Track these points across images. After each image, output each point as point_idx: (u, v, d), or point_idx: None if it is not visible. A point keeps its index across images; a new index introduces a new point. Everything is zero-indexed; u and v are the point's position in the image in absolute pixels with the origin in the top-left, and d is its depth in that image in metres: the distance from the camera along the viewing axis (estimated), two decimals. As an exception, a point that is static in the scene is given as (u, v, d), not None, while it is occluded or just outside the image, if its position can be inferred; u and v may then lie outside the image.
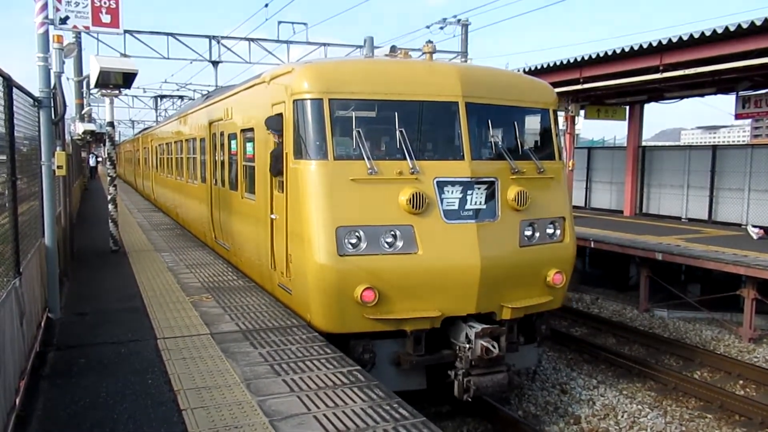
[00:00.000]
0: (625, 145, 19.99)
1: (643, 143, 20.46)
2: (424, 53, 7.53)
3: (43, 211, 6.89)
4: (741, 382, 9.26)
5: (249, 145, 8.62)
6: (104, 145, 12.56)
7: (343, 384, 4.88)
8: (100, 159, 48.18)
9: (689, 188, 18.17)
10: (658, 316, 12.63)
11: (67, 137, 14.66)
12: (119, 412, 4.44)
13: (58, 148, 7.50)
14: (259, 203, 8.02)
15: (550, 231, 7.17)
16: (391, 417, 4.28)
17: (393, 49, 7.99)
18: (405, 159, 6.44)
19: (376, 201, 6.35)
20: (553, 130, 7.63)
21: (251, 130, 8.39)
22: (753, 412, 7.91)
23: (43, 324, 6.49)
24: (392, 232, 6.32)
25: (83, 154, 31.27)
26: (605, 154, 22.03)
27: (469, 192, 6.55)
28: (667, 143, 51.79)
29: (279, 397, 4.62)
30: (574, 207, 18.81)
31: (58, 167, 7.26)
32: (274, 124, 7.08)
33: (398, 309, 6.37)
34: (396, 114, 6.58)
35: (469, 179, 6.54)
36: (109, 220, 11.37)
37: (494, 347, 6.27)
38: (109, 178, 11.44)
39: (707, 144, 26.08)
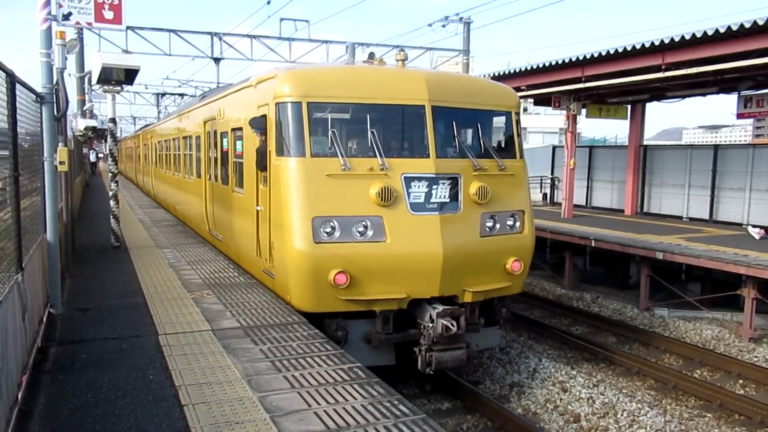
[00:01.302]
0: (627, 144, 19.98)
1: (645, 142, 20.45)
2: (397, 60, 8.10)
3: (45, 207, 6.92)
4: (741, 381, 9.28)
5: (239, 143, 9.18)
6: (106, 141, 12.58)
7: (343, 381, 4.90)
8: (101, 155, 48.20)
9: (690, 188, 18.16)
10: (658, 315, 12.64)
11: (69, 133, 14.68)
12: (121, 407, 4.46)
13: (60, 144, 7.51)
14: (246, 196, 8.64)
15: (510, 223, 7.86)
16: (391, 414, 4.30)
17: (371, 56, 8.71)
18: (375, 157, 7.13)
19: (348, 194, 7.04)
20: (514, 131, 8.33)
21: (240, 129, 8.96)
22: (752, 411, 7.92)
23: (44, 319, 6.51)
24: (363, 222, 7.00)
25: (84, 150, 31.28)
26: (606, 153, 22.02)
27: (434, 187, 7.21)
28: (668, 142, 51.78)
29: (280, 393, 4.64)
30: (575, 206, 18.88)
31: (60, 163, 7.28)
32: (259, 124, 7.72)
33: (368, 291, 7.07)
34: (368, 116, 7.29)
35: (433, 175, 7.22)
36: (111, 216, 11.39)
37: (453, 326, 6.95)
38: (110, 175, 11.46)
39: (709, 143, 26.08)
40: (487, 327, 8.07)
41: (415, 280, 7.12)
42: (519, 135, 8.40)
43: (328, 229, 6.94)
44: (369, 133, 7.20)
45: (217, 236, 10.91)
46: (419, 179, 7.17)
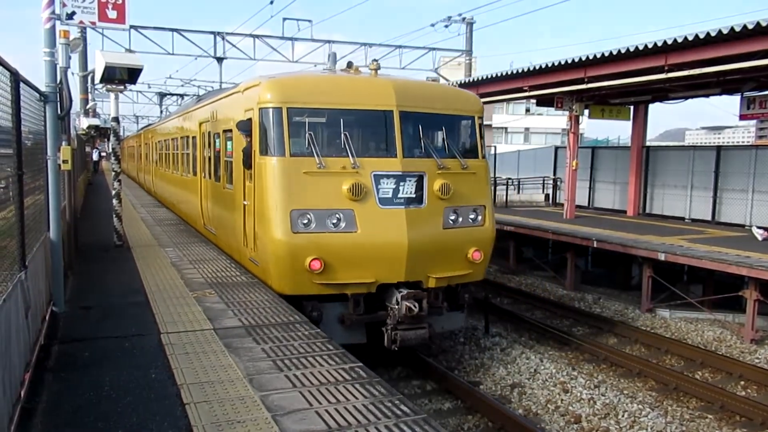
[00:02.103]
0: (629, 145, 19.96)
1: (647, 143, 20.44)
2: (370, 69, 8.77)
3: (48, 206, 6.94)
4: (742, 382, 9.27)
5: (229, 144, 9.91)
6: (108, 140, 12.64)
7: (345, 380, 4.91)
8: (103, 154, 48.30)
9: (693, 189, 18.15)
10: (660, 316, 12.64)
11: (72, 132, 14.71)
12: (123, 405, 4.47)
13: (63, 143, 7.53)
14: (235, 192, 9.37)
15: (472, 216, 8.57)
16: (392, 413, 4.31)
17: (349, 65, 9.29)
18: (348, 156, 7.84)
19: (323, 190, 7.78)
20: (477, 134, 9.03)
21: (230, 130, 9.61)
22: (754, 412, 7.92)
23: (47, 317, 6.53)
24: (336, 215, 7.74)
25: (87, 149, 31.36)
26: (609, 153, 22.01)
27: (401, 183, 7.93)
28: (671, 143, 51.71)
29: (281, 392, 4.65)
30: (578, 206, 18.87)
31: (63, 162, 7.29)
32: (245, 126, 8.45)
33: (341, 276, 7.83)
34: (341, 120, 8.03)
35: (400, 173, 7.93)
36: (113, 215, 11.41)
37: (415, 307, 7.72)
38: (113, 174, 11.48)
39: (711, 145, 26.03)
40: (452, 311, 8.86)
41: (383, 266, 7.84)
42: (482, 138, 9.08)
43: (305, 221, 7.69)
44: (342, 135, 7.94)
45: (211, 230, 11.62)
46: (387, 177, 7.90)
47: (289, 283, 7.87)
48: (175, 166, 16.27)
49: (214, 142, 11.06)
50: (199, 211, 12.68)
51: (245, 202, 8.75)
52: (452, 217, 8.32)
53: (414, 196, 7.96)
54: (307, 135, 7.91)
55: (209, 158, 11.57)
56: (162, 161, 19.54)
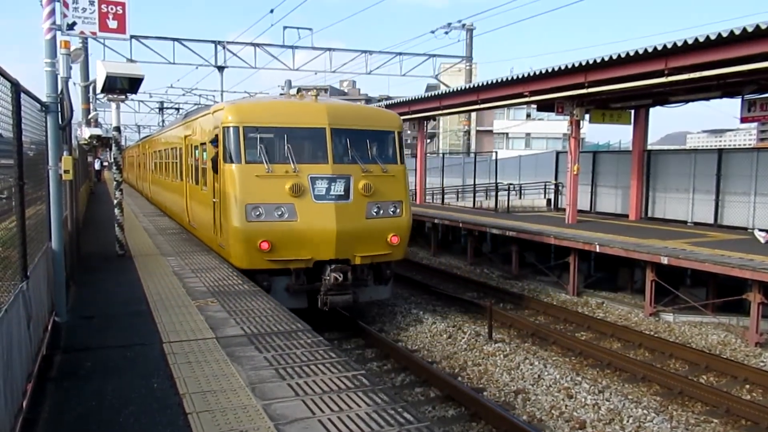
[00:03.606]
0: (630, 149, 19.95)
1: (649, 147, 20.42)
2: (311, 95, 10.98)
3: (49, 215, 6.94)
4: (747, 386, 9.22)
5: (204, 154, 11.86)
6: (110, 149, 12.75)
7: (347, 388, 4.89)
8: (105, 163, 48.44)
9: (695, 192, 18.12)
10: (663, 320, 12.59)
11: (74, 142, 14.75)
12: (125, 415, 4.46)
13: (64, 153, 7.54)
14: (208, 192, 11.52)
15: (392, 209, 10.73)
16: (395, 421, 4.28)
17: (298, 91, 11.27)
18: (290, 163, 10.02)
19: (271, 189, 9.94)
20: (396, 145, 11.19)
21: (205, 143, 11.67)
22: (759, 416, 7.86)
23: (49, 327, 6.52)
24: (281, 208, 9.89)
25: (89, 159, 31.43)
26: (610, 158, 21.99)
27: (332, 183, 10.07)
28: (672, 147, 51.69)
29: (284, 401, 4.63)
30: (580, 211, 18.86)
31: (65, 171, 7.30)
32: (214, 140, 10.70)
33: (285, 255, 9.96)
34: (285, 135, 10.18)
35: (331, 176, 10.09)
36: (116, 224, 11.42)
37: (341, 277, 9.98)
38: (115, 183, 11.50)
39: (713, 147, 26.02)
40: (378, 285, 11.09)
41: (318, 247, 9.99)
42: (401, 147, 11.28)
43: (257, 213, 9.85)
44: (286, 146, 10.10)
45: (194, 225, 13.78)
46: (321, 178, 10.04)
47: (246, 260, 10.04)
48: (167, 173, 18.33)
49: (195, 152, 13.10)
50: (184, 210, 14.79)
51: (215, 200, 10.95)
52: (374, 210, 10.45)
53: (342, 193, 10.12)
54: (258, 147, 10.10)
55: (192, 166, 13.53)
56: (156, 169, 21.63)
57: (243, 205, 9.82)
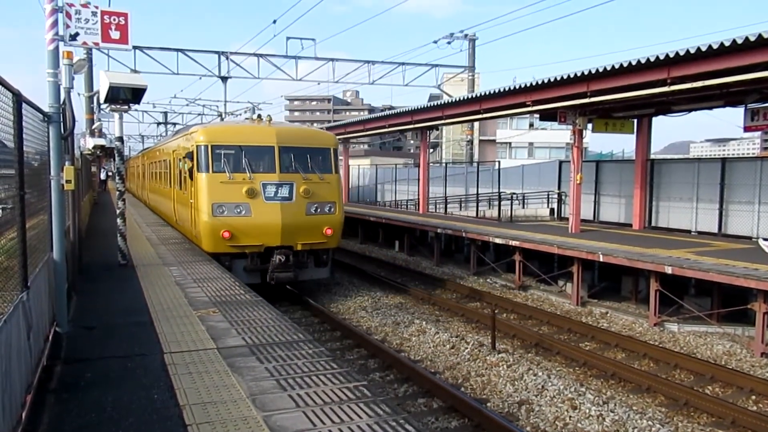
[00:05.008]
0: (634, 158, 19.91)
1: (652, 156, 20.37)
2: (266, 120, 14.16)
3: (51, 225, 6.93)
4: (753, 397, 9.13)
5: (185, 165, 14.30)
6: (113, 159, 12.97)
7: (349, 399, 4.85)
8: (110, 173, 48.63)
9: (699, 201, 18.05)
10: (668, 330, 12.50)
11: (77, 152, 14.80)
12: (125, 426, 4.42)
13: (66, 163, 7.55)
14: (187, 195, 14.45)
15: (327, 208, 13.71)
16: (397, 433, 4.23)
17: (259, 116, 14.53)
18: (246, 173, 13.04)
19: (231, 192, 12.90)
20: (331, 158, 14.21)
21: (185, 156, 14.31)
22: (766, 428, 7.78)
23: (50, 338, 6.50)
24: (239, 206, 12.86)
25: (93, 169, 31.53)
26: (613, 167, 21.94)
27: (279, 188, 13.11)
28: (676, 156, 51.56)
29: (285, 412, 4.59)
30: (583, 220, 18.82)
31: (67, 181, 7.30)
32: (190, 155, 13.58)
33: (242, 242, 12.95)
34: (243, 151, 13.26)
35: (278, 182, 13.14)
36: (118, 234, 11.41)
37: (283, 259, 13.05)
38: (117, 193, 11.50)
39: (716, 157, 25.94)
40: (318, 267, 14.18)
41: (268, 236, 13.03)
42: (335, 161, 14.33)
43: (221, 210, 12.81)
44: (244, 160, 13.14)
45: (179, 222, 16.58)
46: (270, 184, 13.06)
47: (212, 246, 12.94)
48: (160, 180, 21.35)
49: (179, 163, 15.60)
50: (172, 212, 17.76)
51: (191, 201, 13.94)
52: (313, 209, 13.43)
53: (287, 195, 13.14)
54: (223, 160, 13.12)
55: (177, 174, 16.23)
56: (152, 177, 24.55)
57: (210, 204, 12.78)
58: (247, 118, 16.50)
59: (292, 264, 13.18)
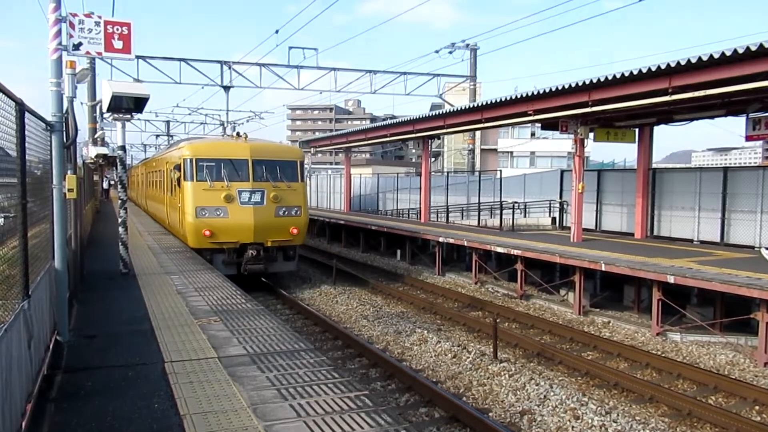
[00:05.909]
0: (635, 167, 19.91)
1: (654, 165, 20.36)
2: (242, 137, 16.99)
3: (53, 234, 6.93)
4: (757, 407, 9.07)
5: (176, 175, 16.80)
6: (116, 168, 12.92)
7: (350, 409, 4.83)
8: (113, 182, 48.76)
9: (701, 210, 18.03)
10: (671, 340, 12.45)
11: (80, 161, 14.84)
12: (125, 436, 4.40)
13: (69, 172, 7.57)
14: (177, 200, 16.89)
15: (293, 212, 16.15)
16: (398, 443, 4.21)
17: (238, 134, 17.35)
18: (224, 181, 15.50)
19: (212, 197, 15.36)
20: (298, 169, 16.75)
21: (174, 167, 16.94)
22: (770, 438, 7.73)
23: (51, 347, 6.48)
24: (219, 209, 15.32)
25: (95, 178, 31.61)
26: (615, 176, 21.94)
27: (252, 194, 15.62)
28: (677, 165, 51.53)
29: (285, 422, 4.57)
30: (585, 229, 18.81)
31: (69, 190, 7.32)
32: (178, 167, 16.19)
33: (221, 239, 15.36)
34: (222, 163, 15.73)
35: (251, 189, 15.66)
36: (120, 243, 11.42)
37: (254, 253, 15.49)
38: (119, 201, 11.52)
39: (718, 166, 25.92)
40: (286, 261, 16.58)
41: (242, 235, 15.44)
42: (302, 171, 16.99)
43: (203, 213, 15.25)
44: (223, 171, 15.60)
45: (171, 224, 18.72)
46: (245, 191, 15.58)
47: (196, 243, 15.36)
48: (156, 188, 23.75)
49: (170, 173, 17.85)
50: (165, 215, 20.21)
51: (179, 205, 16.28)
52: (281, 212, 15.93)
53: (259, 200, 15.61)
54: (205, 171, 15.57)
55: (169, 182, 18.26)
56: (150, 186, 26.81)
57: (194, 207, 15.26)
58: (228, 135, 19.55)
59: (263, 258, 15.63)
